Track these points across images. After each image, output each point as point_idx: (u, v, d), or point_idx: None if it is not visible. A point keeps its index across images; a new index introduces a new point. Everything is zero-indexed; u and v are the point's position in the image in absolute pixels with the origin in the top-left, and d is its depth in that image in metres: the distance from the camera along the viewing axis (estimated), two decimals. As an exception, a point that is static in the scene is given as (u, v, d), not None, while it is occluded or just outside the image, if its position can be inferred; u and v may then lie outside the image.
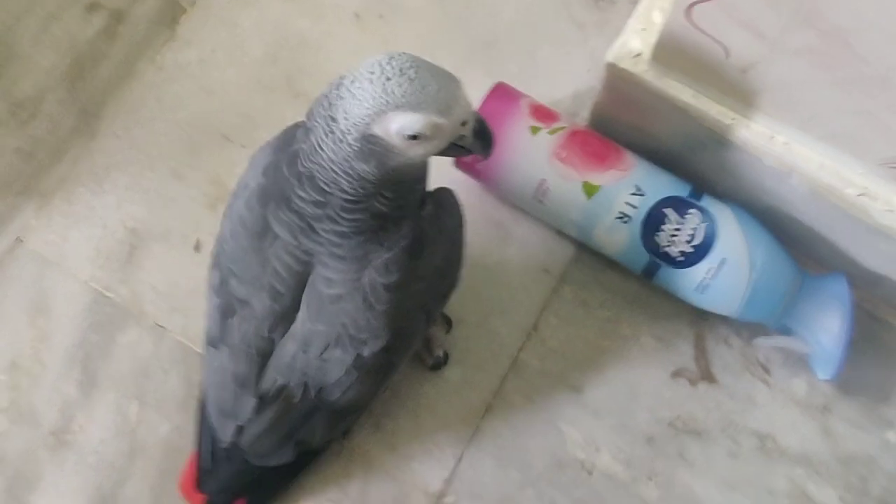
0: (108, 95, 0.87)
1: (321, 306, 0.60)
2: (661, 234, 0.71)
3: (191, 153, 0.86)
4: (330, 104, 0.52)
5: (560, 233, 0.79)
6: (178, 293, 0.81)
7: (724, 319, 0.76)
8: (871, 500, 0.74)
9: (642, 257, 0.72)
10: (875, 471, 0.73)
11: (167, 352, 0.79)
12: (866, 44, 0.51)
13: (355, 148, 0.52)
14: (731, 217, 0.71)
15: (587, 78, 0.84)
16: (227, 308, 0.63)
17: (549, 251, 0.80)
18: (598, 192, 0.71)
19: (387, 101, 0.49)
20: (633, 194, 0.71)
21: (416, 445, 0.77)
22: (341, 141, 0.52)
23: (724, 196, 0.74)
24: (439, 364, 0.77)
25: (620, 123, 0.75)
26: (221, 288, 0.63)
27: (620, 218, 0.71)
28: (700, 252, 0.70)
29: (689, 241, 0.71)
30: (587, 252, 0.79)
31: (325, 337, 0.61)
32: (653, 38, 0.66)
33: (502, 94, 0.76)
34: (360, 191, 0.54)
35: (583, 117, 0.82)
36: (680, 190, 0.72)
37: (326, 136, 0.52)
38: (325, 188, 0.55)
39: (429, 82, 0.49)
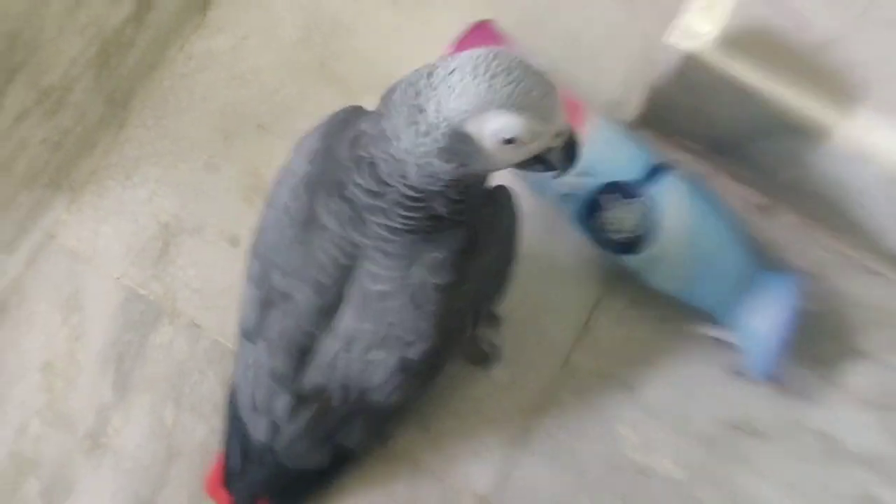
0: (137, 84, 0.88)
1: (366, 303, 0.59)
2: (602, 214, 0.70)
3: (225, 144, 0.86)
4: (418, 93, 0.49)
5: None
6: (214, 290, 0.82)
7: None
8: (944, 504, 0.72)
9: (583, 232, 0.73)
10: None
11: (203, 352, 0.80)
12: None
13: (440, 144, 0.49)
14: (682, 207, 0.69)
15: (637, 61, 0.83)
16: (266, 301, 0.62)
17: (599, 247, 0.80)
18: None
19: (490, 100, 0.47)
20: (579, 174, 0.67)
21: (463, 447, 0.77)
22: (426, 134, 0.49)
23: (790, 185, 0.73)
24: (489, 361, 0.75)
25: (678, 110, 0.74)
26: (262, 280, 0.62)
27: (565, 196, 0.70)
28: (632, 246, 0.70)
29: (623, 233, 0.71)
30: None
31: (370, 336, 0.60)
32: (720, 17, 0.64)
33: (482, 34, 0.75)
34: (427, 189, 0.51)
35: (634, 104, 0.79)
36: (632, 168, 0.70)
37: (408, 126, 0.50)
38: (387, 180, 0.53)
39: (534, 86, 0.47)
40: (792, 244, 0.81)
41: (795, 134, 0.67)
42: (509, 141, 0.49)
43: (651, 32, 0.80)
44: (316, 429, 0.66)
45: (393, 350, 0.61)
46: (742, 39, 0.64)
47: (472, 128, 0.48)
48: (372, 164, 0.54)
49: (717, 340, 0.76)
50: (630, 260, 0.72)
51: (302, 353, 0.62)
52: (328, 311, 0.60)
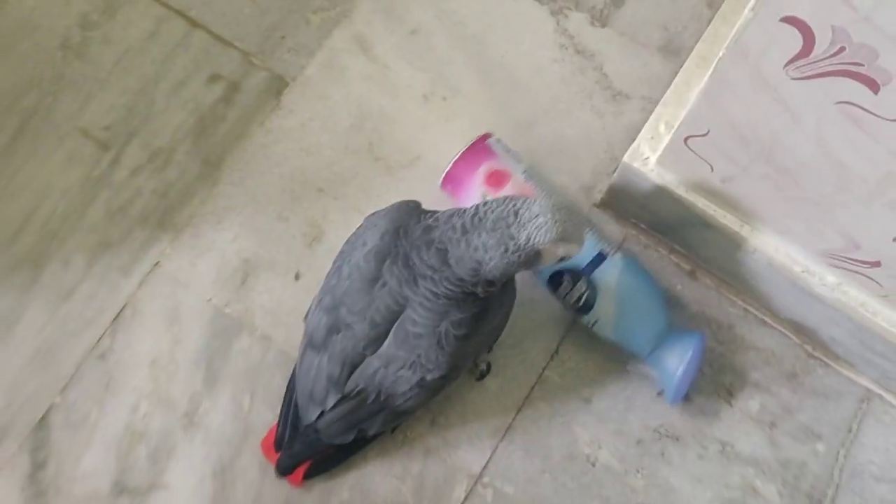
0: (227, 150, 1.03)
1: (405, 339, 0.79)
2: (561, 288, 0.91)
3: (292, 201, 1.01)
4: (509, 226, 0.70)
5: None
6: (282, 312, 0.97)
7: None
8: (801, 493, 0.93)
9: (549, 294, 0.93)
10: (806, 472, 0.93)
11: (272, 357, 0.96)
12: (804, 179, 0.73)
13: (521, 259, 0.71)
14: (612, 287, 0.90)
15: (604, 158, 1.02)
16: (333, 326, 0.81)
17: (569, 293, 0.99)
18: None
19: (562, 236, 0.71)
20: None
21: (463, 437, 0.93)
22: (514, 253, 0.71)
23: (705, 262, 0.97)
24: (483, 375, 0.95)
25: (629, 201, 0.95)
26: (332, 310, 0.81)
27: (539, 273, 0.93)
28: (584, 309, 0.91)
29: (577, 300, 0.91)
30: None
31: (402, 360, 0.79)
32: (658, 148, 0.86)
33: (476, 153, 0.94)
34: (480, 279, 0.74)
35: (599, 189, 1.01)
36: (581, 258, 0.89)
37: (498, 246, 0.71)
38: (453, 267, 0.73)
39: (580, 225, 0.73)
40: (710, 300, 0.98)
41: (710, 229, 0.88)
42: (562, 259, 0.74)
43: (614, 138, 1.02)
44: (350, 418, 0.84)
45: (416, 372, 0.80)
46: (672, 165, 0.85)
47: (545, 250, 0.71)
48: (440, 251, 0.73)
49: (644, 374, 0.95)
50: (581, 318, 0.92)
51: (353, 367, 0.81)
52: (377, 340, 0.79)
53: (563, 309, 0.96)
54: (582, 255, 0.88)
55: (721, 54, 0.66)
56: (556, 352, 0.98)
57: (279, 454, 0.89)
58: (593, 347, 0.97)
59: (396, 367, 0.80)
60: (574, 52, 1.08)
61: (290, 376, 0.91)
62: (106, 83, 1.06)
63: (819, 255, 0.83)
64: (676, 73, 0.95)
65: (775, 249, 0.86)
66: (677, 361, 0.89)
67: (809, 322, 0.93)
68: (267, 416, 0.94)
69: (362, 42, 1.08)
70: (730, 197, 0.84)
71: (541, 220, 0.70)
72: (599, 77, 1.06)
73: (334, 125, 1.05)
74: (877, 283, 0.81)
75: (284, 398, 0.91)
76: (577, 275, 0.90)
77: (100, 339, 0.97)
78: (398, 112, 1.06)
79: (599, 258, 0.90)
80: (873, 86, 0.58)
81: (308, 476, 0.91)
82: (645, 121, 0.93)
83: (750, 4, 0.59)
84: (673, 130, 0.82)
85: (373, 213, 0.84)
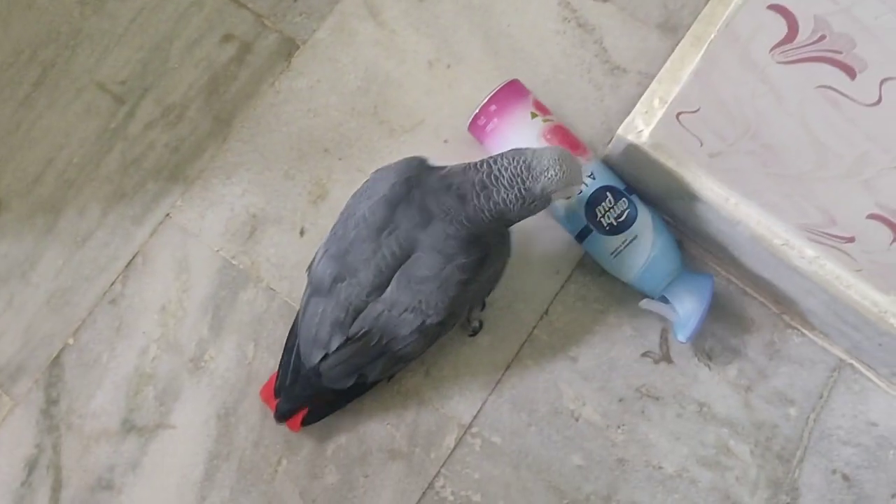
0: (237, 108, 1.06)
1: (409, 283, 0.84)
2: (600, 207, 0.95)
3: (299, 159, 1.05)
4: (524, 181, 0.80)
5: (571, 243, 1.01)
6: (287, 265, 1.01)
7: (683, 318, 1.03)
8: (772, 454, 0.98)
9: (581, 222, 0.96)
10: (777, 434, 0.98)
11: (276, 308, 1.00)
12: (785, 155, 0.78)
13: (536, 203, 0.82)
14: (647, 213, 0.96)
15: (600, 129, 1.05)
16: (339, 274, 0.86)
17: (562, 257, 1.02)
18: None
19: (569, 182, 0.80)
20: (588, 176, 0.96)
21: (455, 389, 0.98)
22: (531, 203, 0.82)
23: (691, 231, 1.01)
24: (476, 332, 0.99)
25: (622, 171, 0.98)
26: (339, 258, 0.85)
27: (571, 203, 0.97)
28: (622, 227, 0.94)
29: (616, 217, 0.95)
30: (589, 260, 1.01)
31: (406, 304, 0.84)
32: (652, 122, 0.89)
33: (515, 88, 1.00)
34: (499, 216, 0.82)
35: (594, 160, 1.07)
36: (619, 184, 0.97)
37: (517, 199, 0.81)
38: (473, 209, 0.81)
39: (580, 168, 0.84)
40: (695, 269, 1.01)
41: (698, 201, 0.92)
42: (568, 197, 0.85)
43: (611, 110, 1.06)
44: (353, 361, 0.87)
45: (418, 316, 0.85)
46: (663, 139, 0.88)
47: (555, 196, 0.82)
48: (460, 196, 0.81)
49: (652, 313, 0.98)
50: (611, 241, 0.95)
51: (357, 312, 0.86)
52: (381, 287, 0.85)
53: (556, 268, 1.02)
54: (618, 180, 0.98)
55: (713, 36, 0.70)
56: (546, 312, 1.02)
57: (278, 400, 0.93)
58: (581, 309, 1.02)
59: (399, 310, 0.85)
60: (576, 26, 1.11)
61: (291, 326, 0.96)
62: (122, 39, 1.10)
63: (798, 229, 0.87)
64: (673, 50, 0.98)
65: (757, 223, 0.90)
66: (696, 302, 0.94)
67: (788, 293, 0.98)
68: (270, 364, 0.99)
69: (371, 7, 1.12)
70: (717, 171, 0.88)
71: (551, 171, 0.80)
72: (599, 50, 1.10)
73: (342, 88, 1.08)
74: (851, 257, 0.85)
75: (285, 346, 0.95)
76: (619, 193, 0.96)
77: (112, 284, 1.02)
78: (404, 77, 1.09)
79: (630, 190, 0.98)
80: (850, 72, 0.62)
81: (306, 423, 0.95)
82: (641, 95, 0.96)
83: (740, -9, 0.63)
84: (666, 106, 0.86)
85: (379, 168, 0.88)
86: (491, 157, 0.83)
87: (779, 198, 0.85)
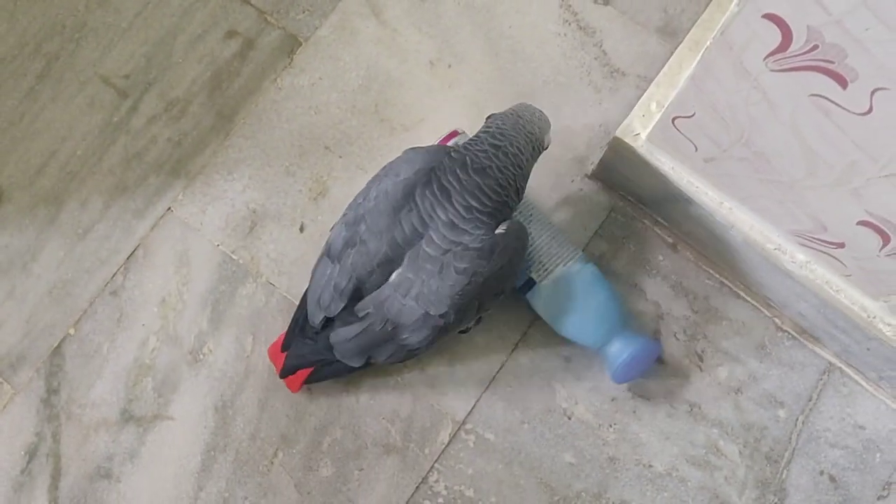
0: (239, 105, 1.08)
1: (416, 260, 0.84)
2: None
3: (299, 156, 1.06)
4: (524, 127, 0.87)
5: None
6: (286, 261, 1.02)
7: (676, 319, 1.03)
8: (761, 454, 0.99)
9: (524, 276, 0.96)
10: (766, 435, 1.00)
11: (275, 303, 1.01)
12: (777, 162, 0.79)
13: (539, 146, 0.89)
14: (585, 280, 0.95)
15: (598, 132, 1.07)
16: (350, 240, 0.87)
17: (557, 257, 1.06)
18: None
19: (548, 123, 0.90)
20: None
21: (450, 386, 1.00)
22: (536, 149, 0.88)
23: (686, 235, 1.03)
24: (468, 329, 0.99)
25: (619, 174, 1.00)
26: (352, 226, 0.87)
27: None
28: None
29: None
30: (584, 261, 1.05)
31: (409, 284, 0.84)
32: (648, 126, 0.91)
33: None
34: (517, 169, 0.86)
35: (592, 161, 1.06)
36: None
37: (527, 144, 0.87)
38: (497, 164, 0.84)
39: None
40: (688, 272, 1.03)
41: (692, 205, 0.93)
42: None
43: (609, 113, 1.07)
44: (360, 341, 0.88)
45: (420, 305, 0.84)
46: (660, 142, 0.89)
47: (545, 140, 0.90)
48: (476, 169, 0.83)
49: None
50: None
51: (360, 282, 0.86)
52: (390, 262, 0.85)
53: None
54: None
55: (708, 43, 0.71)
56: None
57: (285, 356, 0.95)
58: (577, 310, 1.03)
59: (404, 291, 0.85)
60: (577, 28, 1.12)
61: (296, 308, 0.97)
62: (127, 33, 1.11)
63: (790, 234, 0.89)
64: (672, 55, 0.99)
65: (751, 227, 0.91)
66: (621, 349, 0.96)
67: (779, 297, 0.99)
68: (267, 358, 1.00)
69: (374, 6, 1.13)
70: (711, 176, 0.89)
71: (537, 114, 0.89)
72: (599, 53, 1.11)
73: (343, 85, 1.10)
74: (841, 262, 0.87)
75: (298, 305, 0.96)
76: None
77: (113, 276, 1.03)
78: (405, 76, 1.10)
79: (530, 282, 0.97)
80: (842, 81, 0.64)
81: (308, 381, 0.96)
82: (639, 98, 0.97)
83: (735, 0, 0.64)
84: (663, 110, 0.87)
85: (412, 147, 0.90)
86: (485, 125, 0.89)
87: (771, 203, 0.86)
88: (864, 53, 0.60)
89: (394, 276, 0.86)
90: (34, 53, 1.10)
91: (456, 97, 1.09)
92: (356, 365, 0.92)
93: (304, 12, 1.12)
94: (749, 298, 1.05)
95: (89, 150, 1.07)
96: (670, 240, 1.06)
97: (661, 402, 1.02)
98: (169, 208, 1.05)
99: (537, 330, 1.03)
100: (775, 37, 0.64)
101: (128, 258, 1.04)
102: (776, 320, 1.04)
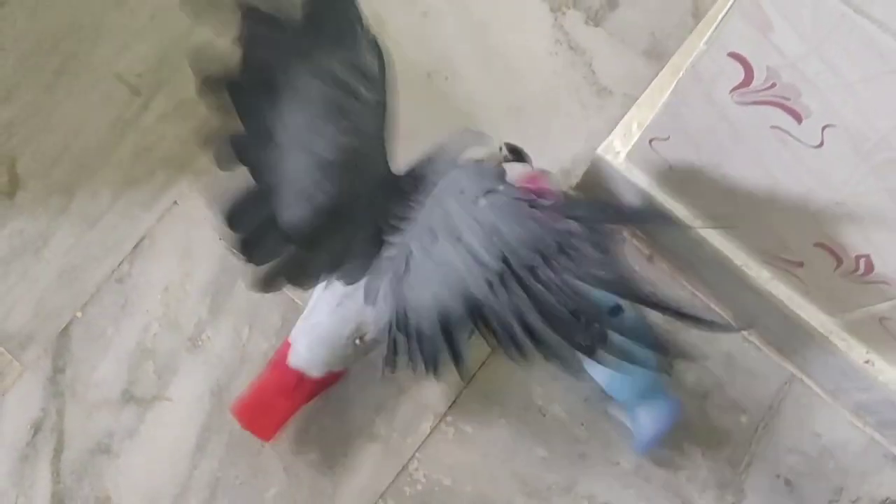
0: None
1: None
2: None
3: None
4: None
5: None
6: None
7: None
8: (722, 456, 1.05)
9: None
10: (728, 439, 1.06)
11: (272, 296, 1.05)
12: (743, 185, 0.86)
13: None
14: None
15: (584, 147, 1.12)
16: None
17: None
18: None
19: None
20: None
21: (432, 381, 1.04)
22: None
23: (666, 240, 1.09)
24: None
25: (600, 188, 1.06)
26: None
27: None
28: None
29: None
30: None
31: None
32: (628, 144, 0.97)
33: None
34: None
35: (576, 175, 1.11)
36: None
37: None
38: None
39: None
40: (663, 283, 1.09)
41: (668, 220, 0.99)
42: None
43: (595, 129, 1.12)
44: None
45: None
46: (638, 161, 0.96)
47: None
48: None
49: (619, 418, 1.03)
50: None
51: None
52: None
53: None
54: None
55: (681, 75, 0.77)
56: (523, 315, 1.10)
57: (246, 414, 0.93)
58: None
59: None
60: (567, 48, 1.18)
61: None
62: (141, 34, 1.17)
63: (756, 252, 0.95)
64: (656, 77, 1.06)
65: (720, 244, 0.98)
66: (654, 424, 0.99)
67: (746, 310, 1.05)
68: (263, 346, 1.07)
69: (377, 20, 1.18)
70: (685, 194, 0.96)
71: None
72: (588, 72, 1.17)
73: (346, 93, 1.16)
74: (801, 280, 0.93)
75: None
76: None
77: (119, 264, 1.09)
78: (402, 87, 1.12)
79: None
80: (797, 117, 0.70)
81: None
82: (623, 116, 1.03)
83: (704, 38, 0.71)
84: (642, 131, 0.94)
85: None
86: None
87: (738, 222, 0.93)
88: (815, 93, 0.66)
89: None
90: (52, 50, 1.16)
91: (452, 108, 1.15)
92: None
93: (310, 22, 1.18)
94: (718, 309, 1.11)
95: (101, 144, 1.13)
96: (647, 252, 1.12)
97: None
98: (175, 202, 1.11)
99: (518, 331, 1.08)
100: (739, 73, 0.71)
101: (134, 248, 1.09)
102: (743, 332, 1.10)
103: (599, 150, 1.00)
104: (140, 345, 1.07)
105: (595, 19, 1.21)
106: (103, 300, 1.08)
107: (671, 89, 0.83)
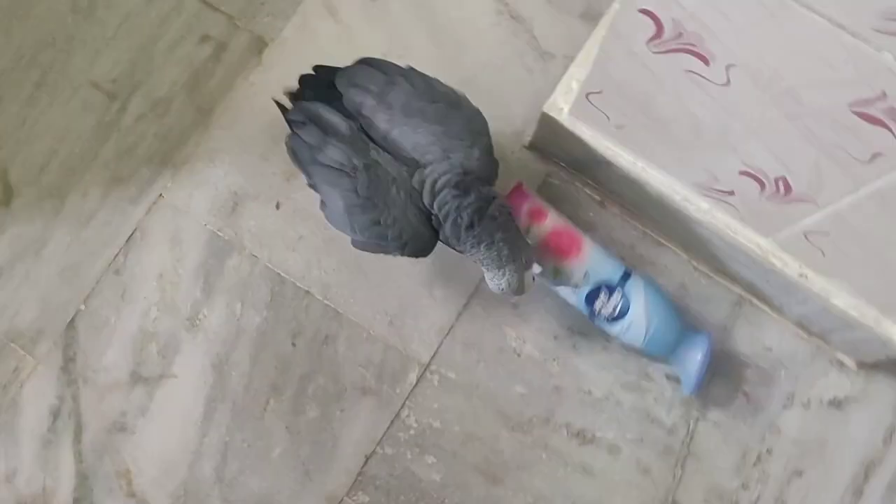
0: (217, 101, 1.20)
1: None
2: (597, 302, 1.09)
3: (273, 143, 1.18)
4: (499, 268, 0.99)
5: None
6: (265, 235, 1.15)
7: (607, 267, 1.20)
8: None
9: (584, 312, 1.10)
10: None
11: (259, 272, 1.15)
12: (671, 128, 0.95)
13: None
14: (641, 296, 1.08)
15: (532, 109, 1.19)
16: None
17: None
18: (560, 273, 1.10)
19: (514, 290, 1.01)
20: (583, 276, 1.08)
21: (415, 335, 1.14)
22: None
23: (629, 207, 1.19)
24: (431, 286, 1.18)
25: (550, 144, 1.16)
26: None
27: (574, 288, 1.10)
28: (619, 316, 1.08)
29: (613, 309, 1.08)
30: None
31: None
32: (570, 101, 1.07)
33: (514, 198, 1.11)
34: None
35: (528, 134, 1.21)
36: (613, 274, 1.08)
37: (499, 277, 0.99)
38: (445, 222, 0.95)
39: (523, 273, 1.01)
40: (616, 225, 1.18)
41: (612, 166, 1.08)
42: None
43: (541, 91, 1.18)
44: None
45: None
46: (579, 115, 1.04)
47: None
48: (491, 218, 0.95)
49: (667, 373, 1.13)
50: (614, 327, 1.09)
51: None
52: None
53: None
54: (612, 272, 1.10)
55: (604, 33, 0.87)
56: (491, 267, 1.19)
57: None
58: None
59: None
60: (509, 17, 1.27)
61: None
62: (112, 42, 1.25)
63: (693, 186, 1.05)
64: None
65: (661, 182, 1.07)
66: (695, 361, 1.08)
67: (692, 240, 1.15)
68: (255, 320, 1.16)
69: (330, 7, 1.27)
70: (624, 141, 1.05)
71: (503, 283, 0.98)
72: (530, 39, 1.26)
73: (307, 79, 1.24)
74: (735, 208, 1.03)
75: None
76: (611, 288, 1.10)
77: (115, 257, 1.17)
78: (361, 68, 1.25)
79: (626, 274, 1.10)
80: (705, 60, 0.80)
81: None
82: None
83: (618, -2, 0.80)
84: (579, 87, 1.03)
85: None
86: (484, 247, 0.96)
87: (673, 161, 1.02)
88: (715, 39, 0.76)
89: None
90: (30, 64, 1.23)
91: (406, 83, 1.23)
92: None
93: (268, 16, 1.26)
94: (669, 244, 1.21)
95: (86, 148, 1.21)
96: (598, 198, 1.21)
97: (596, 338, 1.17)
98: (160, 195, 1.18)
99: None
100: (651, 27, 0.80)
101: (127, 240, 1.17)
102: (693, 262, 1.21)
103: (545, 109, 1.09)
104: (142, 329, 1.15)
105: (532, -12, 1.29)
106: (104, 291, 1.16)
107: (597, 46, 0.92)
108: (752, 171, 0.93)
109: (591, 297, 1.10)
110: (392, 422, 1.14)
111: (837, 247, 0.96)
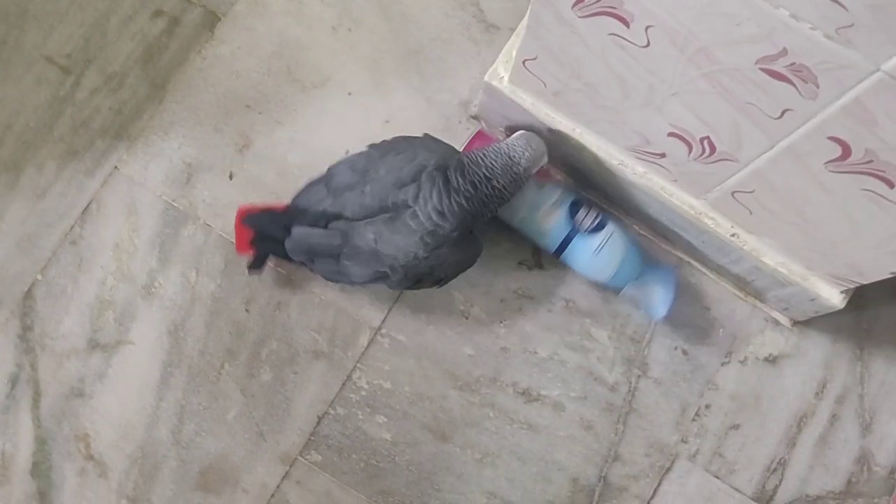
0: (170, 74, 1.23)
1: (395, 222, 1.02)
2: (580, 211, 1.14)
3: (225, 115, 1.22)
4: (512, 167, 1.04)
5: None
6: (219, 205, 1.19)
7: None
8: (626, 337, 1.20)
9: (564, 231, 1.13)
10: (630, 321, 1.21)
11: (213, 241, 1.18)
12: (602, 91, 1.00)
13: (524, 180, 1.06)
14: (611, 220, 1.15)
15: (478, 79, 1.23)
16: (351, 185, 1.05)
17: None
18: (544, 187, 1.16)
19: (539, 156, 1.08)
20: (561, 193, 1.15)
21: (366, 299, 1.18)
22: (522, 179, 1.06)
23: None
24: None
25: (494, 112, 1.19)
26: (360, 174, 1.04)
27: (555, 203, 1.15)
28: (601, 225, 1.13)
29: (595, 218, 1.13)
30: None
31: (380, 230, 1.02)
32: (510, 69, 1.11)
33: (479, 139, 1.19)
34: (500, 198, 1.04)
35: (474, 104, 1.23)
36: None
37: (513, 183, 1.05)
38: (485, 191, 1.02)
39: (543, 144, 1.10)
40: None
41: (552, 132, 1.11)
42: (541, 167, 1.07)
43: (487, 62, 1.21)
44: (314, 242, 1.04)
45: (379, 246, 1.02)
46: (519, 82, 1.07)
47: (534, 169, 1.07)
48: (472, 182, 1.01)
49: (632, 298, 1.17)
50: (594, 240, 1.13)
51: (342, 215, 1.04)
52: (375, 215, 1.02)
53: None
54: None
55: (534, 1, 0.91)
56: (439, 233, 1.23)
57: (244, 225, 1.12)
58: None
59: (373, 231, 1.03)
60: (456, -9, 1.31)
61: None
62: (65, 17, 1.27)
63: (628, 149, 1.09)
64: (532, 9, 1.19)
65: (598, 147, 1.11)
66: (661, 291, 1.15)
67: (632, 204, 1.20)
68: (210, 287, 1.19)
69: (281, -17, 1.30)
70: (561, 107, 1.09)
71: (527, 153, 1.05)
72: (476, 12, 1.30)
73: (259, 52, 1.26)
74: (667, 170, 1.08)
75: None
76: (591, 203, 1.17)
77: (72, 228, 1.20)
78: (312, 41, 1.27)
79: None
80: (625, 22, 0.84)
81: (254, 249, 1.12)
82: (508, 48, 1.17)
83: (543, -36, 0.84)
84: (516, 55, 1.07)
85: (432, 137, 1.09)
86: (478, 155, 1.04)
87: (607, 125, 1.06)
88: (632, 0, 0.80)
89: (373, 221, 1.03)
90: (-16, 40, 1.25)
91: (357, 57, 1.27)
92: (294, 258, 1.08)
93: (220, -9, 1.29)
94: (610, 209, 1.25)
95: (41, 122, 1.23)
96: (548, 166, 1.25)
97: (541, 300, 1.22)
98: (115, 167, 1.21)
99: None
100: (574, -9, 0.84)
101: (83, 212, 1.20)
102: (634, 226, 1.25)
103: (486, 78, 1.13)
104: (99, 297, 1.18)
105: (479, -37, 1.33)
106: (60, 262, 1.19)
107: (528, 13, 0.96)
108: (679, 132, 0.97)
109: (574, 208, 1.14)
110: (344, 383, 1.18)
111: (762, 204, 1.01)
